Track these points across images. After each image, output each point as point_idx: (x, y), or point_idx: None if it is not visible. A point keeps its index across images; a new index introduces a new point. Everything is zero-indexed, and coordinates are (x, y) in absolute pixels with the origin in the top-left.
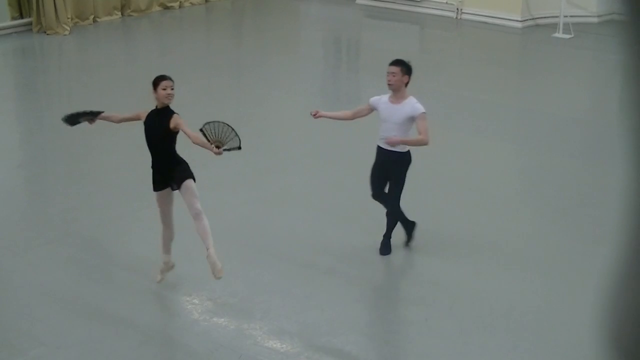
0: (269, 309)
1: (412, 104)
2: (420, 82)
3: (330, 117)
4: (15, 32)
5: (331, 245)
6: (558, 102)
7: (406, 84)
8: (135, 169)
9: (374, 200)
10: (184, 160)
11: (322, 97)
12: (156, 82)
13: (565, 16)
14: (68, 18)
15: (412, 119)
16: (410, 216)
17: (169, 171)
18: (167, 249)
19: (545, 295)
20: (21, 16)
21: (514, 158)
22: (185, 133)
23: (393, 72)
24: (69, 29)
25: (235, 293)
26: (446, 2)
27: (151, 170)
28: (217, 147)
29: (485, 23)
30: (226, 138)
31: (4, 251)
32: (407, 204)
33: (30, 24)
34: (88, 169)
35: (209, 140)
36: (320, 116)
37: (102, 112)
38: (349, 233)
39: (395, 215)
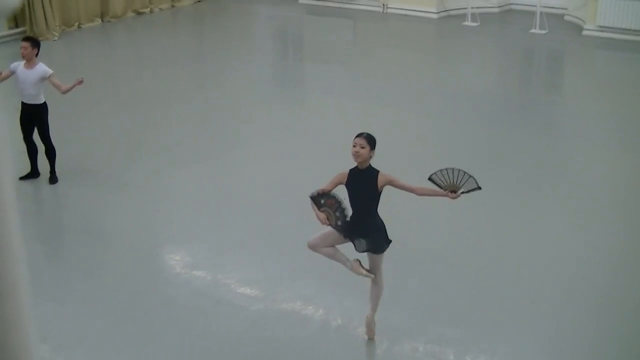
0: (238, 262)
1: (43, 68)
2: (352, 64)
3: None
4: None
5: (288, 204)
6: (469, 79)
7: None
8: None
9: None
10: (383, 224)
11: (273, 82)
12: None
13: (472, 8)
14: (56, 25)
15: (43, 79)
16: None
17: (364, 232)
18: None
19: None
20: (16, 26)
21: (432, 128)
22: (405, 189)
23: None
24: (57, 34)
25: (212, 248)
26: None
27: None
28: (453, 191)
29: (407, 15)
30: (460, 181)
31: None
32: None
33: (24, 32)
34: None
35: (441, 187)
36: None
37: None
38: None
39: (50, 150)
